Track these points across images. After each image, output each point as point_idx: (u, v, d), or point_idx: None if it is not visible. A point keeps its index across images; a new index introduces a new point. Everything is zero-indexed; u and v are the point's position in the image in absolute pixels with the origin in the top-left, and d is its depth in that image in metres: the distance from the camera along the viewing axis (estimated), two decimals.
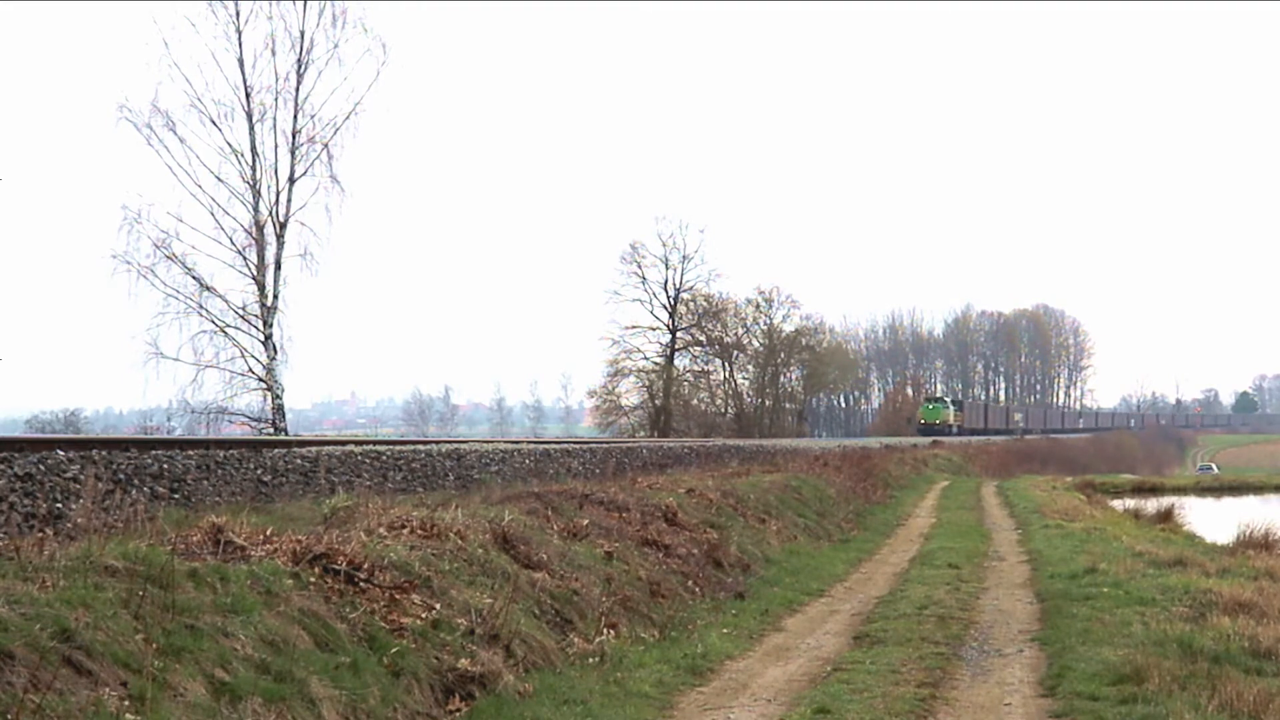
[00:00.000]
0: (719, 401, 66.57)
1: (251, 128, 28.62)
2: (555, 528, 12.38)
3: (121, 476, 11.72)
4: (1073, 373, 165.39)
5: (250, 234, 28.73)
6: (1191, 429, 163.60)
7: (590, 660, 9.51)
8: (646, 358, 62.07)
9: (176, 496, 12.26)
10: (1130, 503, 38.94)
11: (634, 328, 61.73)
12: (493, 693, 7.98)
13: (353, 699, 6.90)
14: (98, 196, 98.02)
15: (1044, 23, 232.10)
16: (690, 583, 13.43)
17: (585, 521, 13.06)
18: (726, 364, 66.53)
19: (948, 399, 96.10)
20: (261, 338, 28.89)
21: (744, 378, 69.10)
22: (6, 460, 10.60)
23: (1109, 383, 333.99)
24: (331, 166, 29.31)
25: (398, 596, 8.45)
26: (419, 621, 8.30)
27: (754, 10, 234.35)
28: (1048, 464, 65.76)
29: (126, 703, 5.61)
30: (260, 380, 28.87)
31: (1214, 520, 34.11)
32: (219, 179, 28.34)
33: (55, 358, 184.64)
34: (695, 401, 64.91)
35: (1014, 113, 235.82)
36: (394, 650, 7.74)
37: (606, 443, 30.51)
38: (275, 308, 28.87)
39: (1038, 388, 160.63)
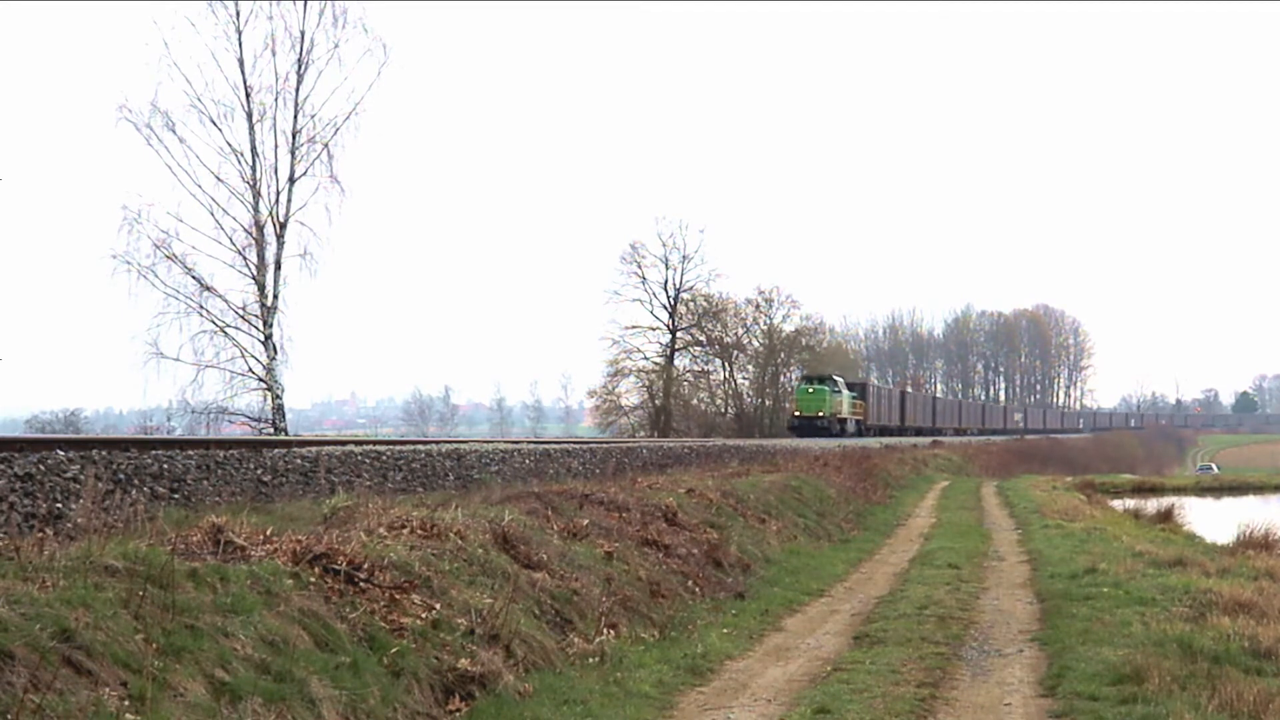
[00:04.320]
0: (719, 401, 66.50)
1: (251, 128, 28.65)
2: (555, 528, 12.38)
3: (121, 476, 11.70)
4: (1073, 373, 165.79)
5: (250, 234, 28.74)
6: (1191, 429, 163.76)
7: (590, 660, 9.51)
8: (646, 358, 62.09)
9: (176, 496, 12.24)
10: (1130, 503, 39.02)
11: (634, 328, 61.73)
12: (493, 693, 7.98)
13: (353, 699, 6.90)
14: (98, 196, 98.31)
15: (1044, 23, 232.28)
16: (690, 583, 13.42)
17: (585, 521, 13.06)
18: (726, 364, 66.45)
19: (840, 379, 58.32)
20: (261, 338, 28.91)
21: (744, 378, 69.01)
22: (6, 460, 10.58)
23: (1109, 383, 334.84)
24: (331, 166, 29.37)
25: (398, 596, 8.45)
26: (419, 621, 8.29)
27: (754, 10, 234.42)
28: (1048, 464, 65.70)
29: (126, 703, 5.61)
30: (260, 380, 28.89)
31: (1214, 520, 34.17)
32: (219, 179, 28.41)
33: (55, 358, 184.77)
34: (695, 401, 64.86)
35: (1013, 113, 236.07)
36: (394, 650, 7.73)
37: (606, 443, 30.48)
38: (275, 308, 28.90)
39: (1038, 388, 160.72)
